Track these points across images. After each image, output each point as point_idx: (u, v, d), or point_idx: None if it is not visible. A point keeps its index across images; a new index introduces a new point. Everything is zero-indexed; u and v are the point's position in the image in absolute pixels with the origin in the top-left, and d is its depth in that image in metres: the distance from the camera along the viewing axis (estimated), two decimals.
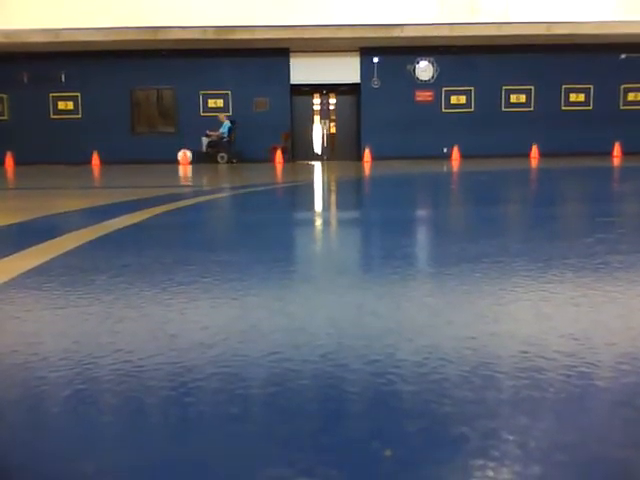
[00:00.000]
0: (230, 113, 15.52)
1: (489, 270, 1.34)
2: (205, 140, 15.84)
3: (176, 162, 14.85)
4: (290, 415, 0.61)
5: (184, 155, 15.93)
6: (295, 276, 1.32)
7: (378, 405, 0.62)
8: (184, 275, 1.31)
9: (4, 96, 15.53)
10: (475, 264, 1.39)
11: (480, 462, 0.51)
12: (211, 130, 15.64)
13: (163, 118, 15.99)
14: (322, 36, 14.49)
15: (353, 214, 2.97)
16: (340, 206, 3.49)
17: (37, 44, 14.58)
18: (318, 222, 2.54)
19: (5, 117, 15.66)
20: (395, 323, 0.92)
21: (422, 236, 2.11)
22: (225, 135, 15.64)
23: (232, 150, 15.37)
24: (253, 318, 0.97)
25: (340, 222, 2.55)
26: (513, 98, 15.27)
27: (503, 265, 1.41)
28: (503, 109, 15.24)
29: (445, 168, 9.00)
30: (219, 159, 15.17)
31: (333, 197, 4.19)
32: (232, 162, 15.11)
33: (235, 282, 1.24)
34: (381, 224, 2.38)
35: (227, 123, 15.63)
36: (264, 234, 2.12)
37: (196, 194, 4.14)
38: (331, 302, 1.08)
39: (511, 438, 0.55)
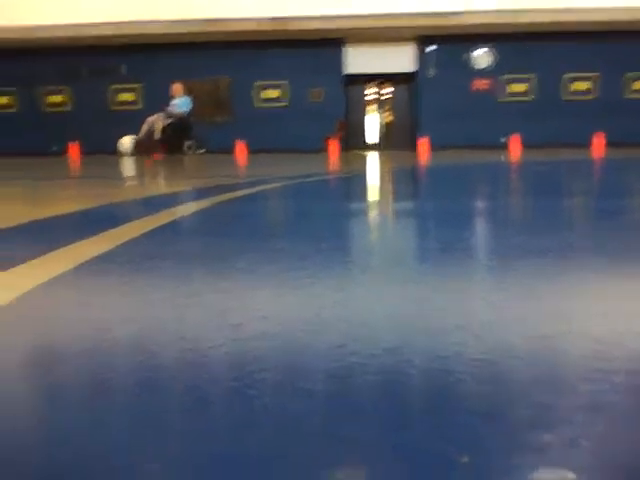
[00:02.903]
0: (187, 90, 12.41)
1: (556, 264, 1.29)
2: (163, 121, 11.60)
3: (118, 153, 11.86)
4: (357, 412, 0.59)
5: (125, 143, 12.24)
6: (355, 267, 1.31)
7: (449, 406, 0.60)
8: (245, 263, 1.32)
9: (68, 88, 16.05)
10: (541, 258, 1.34)
11: (561, 471, 0.48)
12: (167, 107, 11.70)
13: (219, 108, 16.20)
14: (378, 25, 14.33)
15: (410, 205, 2.93)
16: (397, 196, 3.45)
17: (99, 37, 14.99)
18: (375, 213, 2.52)
19: (69, 108, 16.18)
20: (460, 318, 0.90)
21: (483, 228, 2.05)
22: (186, 114, 11.58)
23: (195, 134, 11.66)
24: (314, 308, 0.96)
25: (397, 213, 2.52)
26: (574, 86, 14.75)
27: (570, 259, 1.35)
28: (564, 97, 14.74)
29: (503, 158, 8.78)
30: (185, 148, 11.41)
31: (389, 187, 4.14)
32: (199, 151, 11.43)
33: (295, 271, 1.23)
34: (440, 215, 2.33)
35: (186, 98, 11.82)
36: (322, 224, 2.11)
37: (252, 184, 4.17)
38: (392, 294, 1.06)
39: (592, 446, 0.52)
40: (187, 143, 11.32)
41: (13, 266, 1.29)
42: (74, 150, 13.91)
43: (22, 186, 4.57)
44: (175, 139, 11.26)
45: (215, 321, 0.90)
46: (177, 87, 11.99)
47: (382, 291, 1.09)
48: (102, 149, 15.08)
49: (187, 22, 14.44)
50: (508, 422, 0.56)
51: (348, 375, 0.68)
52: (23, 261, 1.33)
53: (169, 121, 11.40)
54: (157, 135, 11.36)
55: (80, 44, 15.39)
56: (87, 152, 14.34)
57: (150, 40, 15.11)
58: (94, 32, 14.72)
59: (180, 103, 11.63)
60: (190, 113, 11.56)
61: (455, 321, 0.88)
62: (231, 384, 0.66)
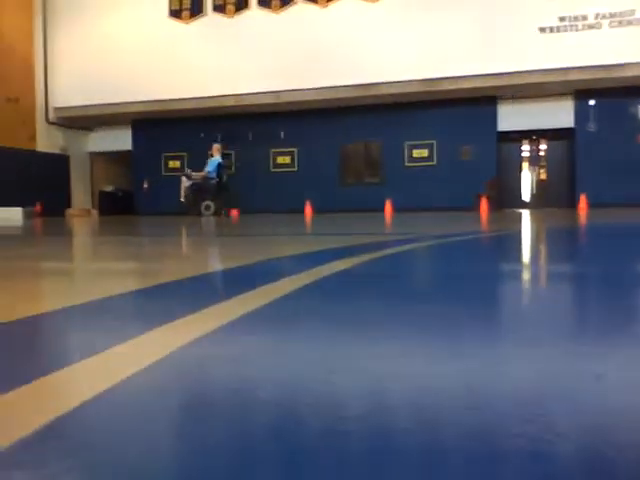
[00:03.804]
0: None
1: None
2: (185, 183, 11.80)
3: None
4: None
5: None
6: (516, 337, 1.19)
7: None
8: (396, 326, 1.27)
9: (232, 152, 17.37)
10: None
11: None
12: (194, 170, 11.98)
13: (369, 169, 16.57)
14: (531, 82, 13.97)
15: (573, 267, 2.71)
16: (556, 258, 3.21)
17: (261, 105, 16.16)
18: (532, 276, 2.35)
19: (232, 171, 17.45)
20: None
21: None
22: (212, 175, 11.68)
23: (221, 196, 11.63)
24: (478, 381, 0.87)
25: (558, 277, 2.33)
26: None
27: None
28: None
29: None
30: (203, 210, 11.37)
31: (549, 247, 3.89)
32: (220, 214, 11.25)
33: (450, 338, 1.16)
34: (608, 281, 2.11)
35: (217, 159, 11.85)
36: (474, 287, 2.01)
37: (401, 242, 4.14)
38: (564, 370, 0.94)
39: None
40: (204, 204, 11.34)
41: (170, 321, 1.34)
42: (233, 209, 14.85)
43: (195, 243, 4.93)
44: (193, 200, 11.37)
45: (367, 388, 0.85)
46: (216, 148, 12.08)
47: (551, 366, 0.97)
48: (262, 208, 15.98)
49: (341, 88, 15.12)
50: None
51: (544, 466, 0.59)
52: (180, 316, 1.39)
53: (190, 183, 11.54)
54: (182, 197, 11.58)
55: (244, 112, 16.67)
56: (247, 211, 15.24)
57: (306, 106, 15.99)
58: (257, 101, 15.91)
59: (209, 164, 11.74)
60: (219, 174, 11.47)
61: None
62: (372, 459, 0.60)
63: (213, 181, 11.46)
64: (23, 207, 14.98)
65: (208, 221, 9.98)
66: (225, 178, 11.90)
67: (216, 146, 12.26)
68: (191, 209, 11.47)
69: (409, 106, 15.53)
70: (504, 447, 0.63)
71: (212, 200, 11.36)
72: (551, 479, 0.56)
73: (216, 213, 11.34)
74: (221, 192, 11.60)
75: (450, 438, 0.66)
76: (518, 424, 0.69)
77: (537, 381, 0.88)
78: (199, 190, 11.49)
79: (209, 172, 11.71)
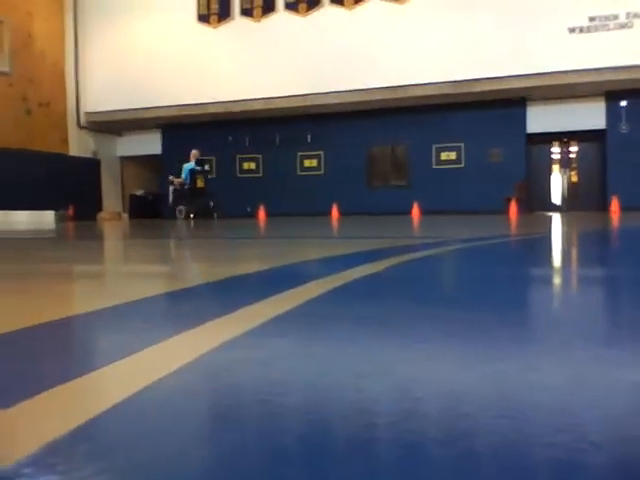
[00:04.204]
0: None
1: None
2: (170, 188, 13.09)
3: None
4: None
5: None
6: (549, 343, 1.17)
7: None
8: (425, 331, 1.25)
9: (259, 156, 17.46)
10: None
11: None
12: (175, 176, 13.07)
13: (396, 172, 16.50)
14: (562, 82, 13.76)
15: (605, 271, 2.65)
16: (589, 262, 3.15)
17: (288, 108, 16.21)
18: (564, 280, 2.31)
19: (260, 174, 17.54)
20: None
21: None
22: (185, 182, 12.77)
23: (196, 202, 12.60)
24: (509, 390, 0.86)
25: (591, 280, 2.28)
26: None
27: None
28: None
29: None
30: (177, 214, 12.53)
31: (580, 252, 3.82)
32: (190, 217, 12.27)
33: (481, 344, 1.14)
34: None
35: (190, 164, 12.83)
36: (504, 291, 1.98)
37: (430, 246, 4.11)
38: (606, 379, 0.92)
39: None
40: (177, 208, 12.58)
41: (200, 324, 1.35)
42: (261, 212, 14.94)
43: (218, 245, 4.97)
44: (173, 205, 12.70)
45: (398, 394, 0.84)
46: (193, 154, 13.04)
47: (589, 374, 0.95)
48: (288, 211, 16.04)
49: (368, 91, 15.09)
50: None
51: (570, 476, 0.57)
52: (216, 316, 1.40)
53: (172, 188, 12.87)
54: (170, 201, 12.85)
55: (271, 115, 16.75)
56: (273, 214, 15.32)
57: (333, 109, 16.01)
58: (283, 104, 15.97)
59: (183, 170, 12.81)
60: (192, 180, 12.44)
61: None
62: (401, 467, 0.59)
63: (186, 186, 12.54)
64: (55, 210, 15.28)
65: (229, 223, 10.06)
66: (201, 184, 12.93)
67: (193, 152, 13.29)
68: (173, 213, 12.82)
69: (437, 108, 15.43)
70: (537, 457, 0.62)
71: (187, 204, 12.46)
72: None
73: (187, 217, 12.40)
74: (195, 197, 12.58)
75: (481, 446, 0.65)
76: (551, 433, 0.67)
77: (570, 388, 0.86)
78: (177, 196, 12.79)
79: (184, 179, 12.79)
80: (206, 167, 14.26)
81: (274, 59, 15.85)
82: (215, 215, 13.20)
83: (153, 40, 17.21)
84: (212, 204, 13.19)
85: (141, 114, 17.19)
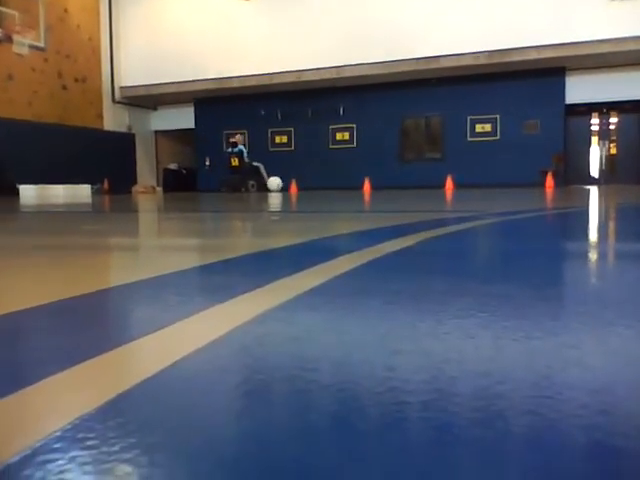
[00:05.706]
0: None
1: None
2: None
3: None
4: None
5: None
6: (587, 320, 1.14)
7: None
8: (459, 307, 1.23)
9: (291, 129, 17.38)
10: None
11: None
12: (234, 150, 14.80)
13: (430, 145, 16.26)
14: (601, 51, 13.28)
15: None
16: (629, 238, 3.06)
17: (321, 81, 16.05)
18: (603, 256, 2.25)
19: (292, 148, 17.48)
20: None
21: None
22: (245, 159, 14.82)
23: (238, 179, 14.68)
24: (542, 367, 0.83)
25: (633, 257, 2.22)
26: None
27: None
28: None
29: None
30: (250, 187, 14.51)
31: (620, 227, 3.72)
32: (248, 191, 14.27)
33: (516, 320, 1.11)
34: None
35: (240, 147, 14.88)
36: (541, 266, 1.93)
37: (464, 219, 4.04)
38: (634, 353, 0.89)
39: None
40: (250, 182, 14.40)
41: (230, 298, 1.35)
42: (293, 187, 14.89)
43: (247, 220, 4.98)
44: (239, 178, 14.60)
45: (431, 372, 0.82)
46: (237, 138, 14.99)
47: (626, 350, 0.92)
48: (319, 185, 15.98)
49: (403, 62, 14.83)
50: None
51: (600, 454, 0.55)
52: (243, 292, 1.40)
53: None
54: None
55: (303, 88, 16.62)
56: (305, 188, 15.30)
57: (366, 81, 15.79)
58: (315, 77, 15.81)
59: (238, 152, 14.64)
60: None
61: None
62: (435, 448, 0.58)
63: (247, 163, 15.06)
64: (91, 184, 15.52)
65: (265, 196, 10.08)
66: (235, 162, 14.97)
67: (238, 137, 15.28)
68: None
69: (472, 79, 15.10)
70: (576, 440, 0.60)
71: (235, 181, 14.74)
72: (626, 475, 0.53)
73: (233, 191, 14.38)
74: (236, 175, 14.89)
75: (518, 427, 0.63)
76: (592, 415, 0.65)
77: (612, 367, 0.83)
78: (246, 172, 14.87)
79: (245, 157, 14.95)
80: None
81: (307, 31, 15.65)
82: (251, 189, 14.53)
83: (186, 14, 17.16)
84: (252, 183, 14.58)
85: (174, 88, 17.25)
